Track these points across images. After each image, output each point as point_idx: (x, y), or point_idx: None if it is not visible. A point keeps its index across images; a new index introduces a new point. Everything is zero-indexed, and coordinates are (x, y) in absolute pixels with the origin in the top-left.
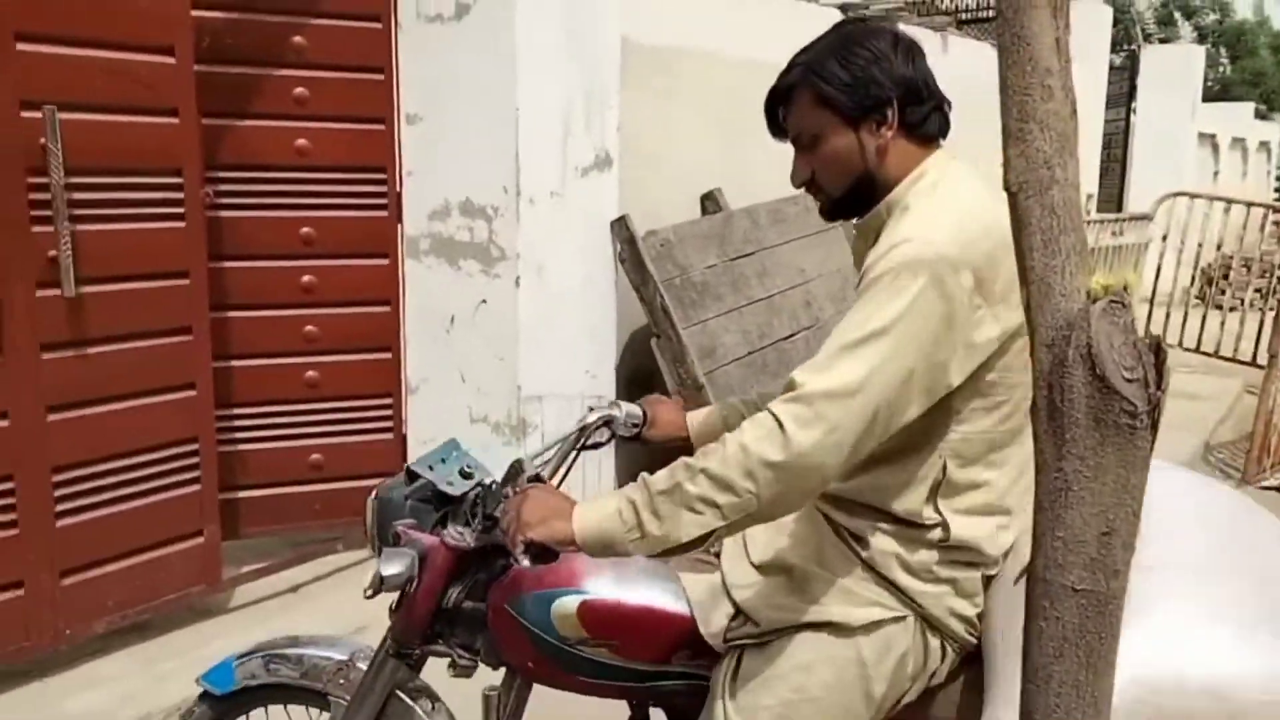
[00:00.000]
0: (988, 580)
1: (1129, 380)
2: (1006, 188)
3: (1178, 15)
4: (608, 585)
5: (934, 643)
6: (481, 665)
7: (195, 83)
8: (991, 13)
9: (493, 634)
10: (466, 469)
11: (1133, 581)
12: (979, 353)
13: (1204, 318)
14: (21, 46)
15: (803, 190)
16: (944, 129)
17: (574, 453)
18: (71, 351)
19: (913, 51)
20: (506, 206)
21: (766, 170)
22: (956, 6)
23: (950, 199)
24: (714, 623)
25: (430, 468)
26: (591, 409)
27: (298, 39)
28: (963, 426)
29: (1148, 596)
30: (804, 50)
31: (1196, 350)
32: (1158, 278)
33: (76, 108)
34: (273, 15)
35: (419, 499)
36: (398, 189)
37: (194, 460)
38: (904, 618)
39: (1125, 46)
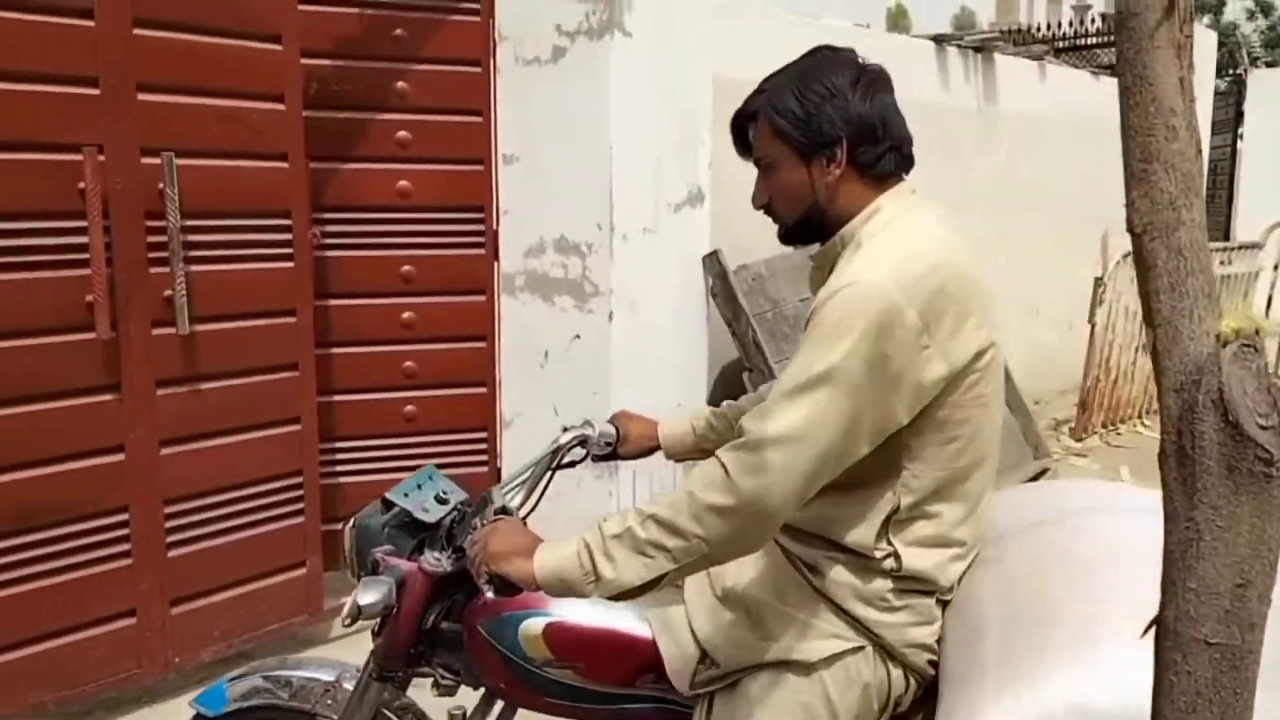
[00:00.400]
0: (944, 605)
1: (1264, 427)
2: (1130, 230)
3: None
4: (574, 608)
5: (895, 673)
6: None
7: (303, 128)
8: (1093, 40)
9: (468, 655)
10: (442, 495)
11: (1084, 616)
12: (927, 392)
13: None
14: (143, 97)
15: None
16: (903, 167)
17: (549, 474)
18: (185, 387)
19: (875, 86)
20: (600, 243)
21: None
22: (1053, 34)
23: (899, 238)
24: (681, 672)
25: (406, 495)
26: (565, 429)
27: (400, 84)
28: (915, 463)
29: (1101, 631)
30: (771, 75)
31: None
32: (1269, 307)
33: (193, 154)
34: (377, 62)
35: (396, 526)
36: (495, 227)
37: (298, 493)
38: (862, 648)
39: (1230, 71)
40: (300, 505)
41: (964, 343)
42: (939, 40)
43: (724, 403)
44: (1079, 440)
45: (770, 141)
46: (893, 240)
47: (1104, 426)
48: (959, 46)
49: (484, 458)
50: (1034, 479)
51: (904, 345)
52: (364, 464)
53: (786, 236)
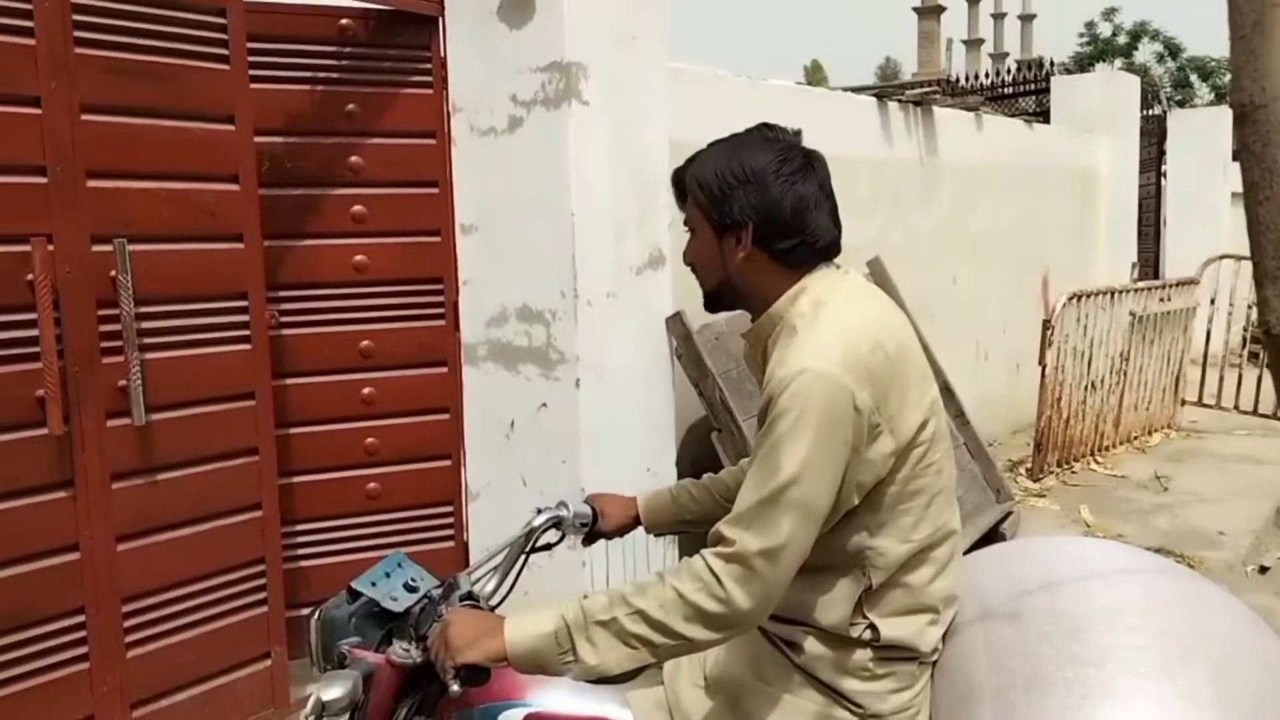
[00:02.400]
0: (927, 666)
1: None
2: (1266, 329)
3: (1193, 77)
4: (554, 697)
5: None
6: None
7: (259, 207)
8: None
9: None
10: (411, 582)
11: (1077, 678)
12: (878, 468)
13: (1259, 379)
14: (92, 183)
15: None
16: (821, 258)
17: (522, 557)
18: (141, 479)
19: (800, 175)
20: (564, 310)
21: None
22: (982, 84)
23: (836, 320)
24: None
25: (373, 584)
26: (539, 510)
27: (355, 158)
28: (878, 541)
29: (1091, 694)
30: (712, 144)
31: (1254, 412)
32: (1208, 341)
33: (145, 239)
34: (330, 137)
35: (363, 616)
36: (455, 298)
37: (261, 581)
38: None
39: (1147, 112)
40: (263, 594)
41: (908, 415)
42: (881, 96)
43: (705, 476)
44: (1036, 480)
45: (691, 208)
46: (829, 322)
47: (1059, 465)
48: (899, 101)
49: (450, 532)
50: (999, 522)
51: (859, 429)
52: (328, 545)
53: (705, 303)
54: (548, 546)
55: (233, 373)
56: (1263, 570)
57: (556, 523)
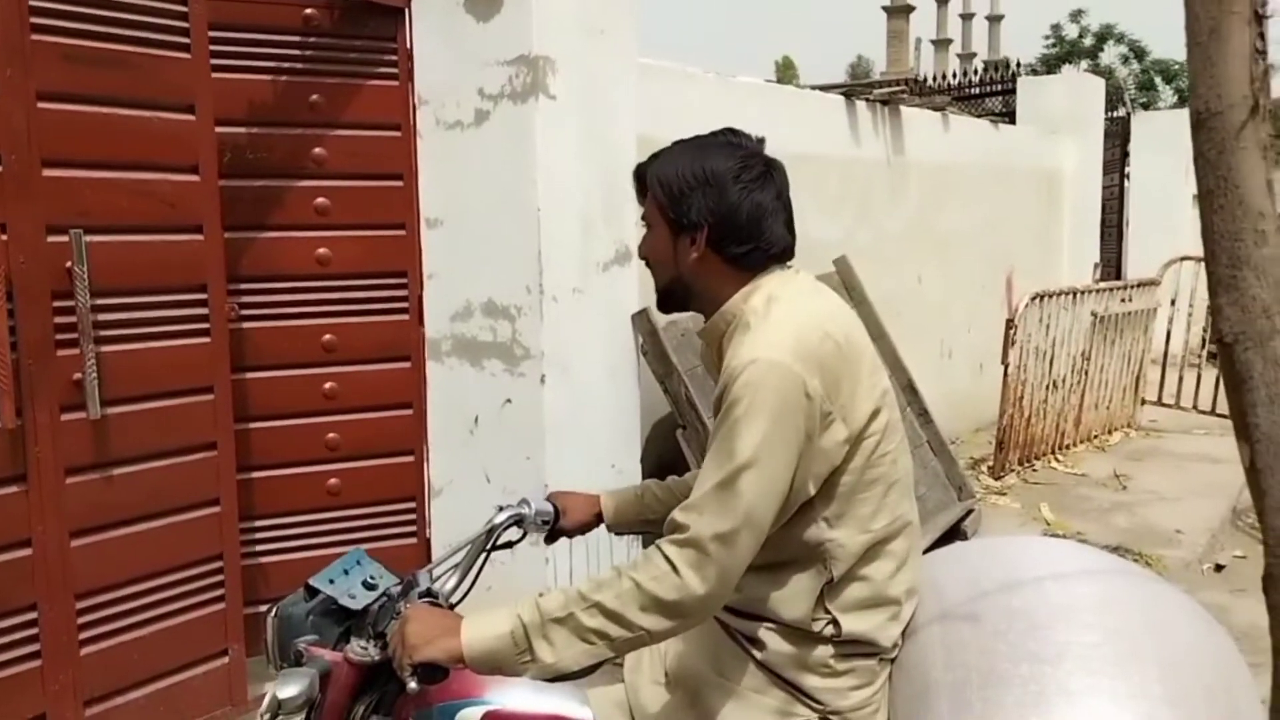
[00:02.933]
0: (886, 663)
1: None
2: (1219, 338)
3: (1158, 80)
4: (513, 695)
5: None
6: None
7: (219, 198)
8: (995, 86)
9: None
10: (370, 580)
11: (1033, 675)
12: (832, 456)
13: (1217, 379)
14: (48, 173)
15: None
16: (776, 262)
17: (483, 555)
18: (96, 474)
19: (759, 183)
20: (529, 305)
21: None
22: (949, 84)
23: (787, 313)
24: None
25: (331, 581)
26: (500, 508)
27: (318, 150)
28: (836, 532)
29: (1046, 691)
30: (676, 143)
31: (1212, 412)
32: (1168, 341)
33: (103, 229)
34: (293, 128)
35: (321, 614)
36: (419, 292)
37: (219, 578)
38: None
39: (1111, 114)
40: (221, 591)
41: (860, 405)
42: (849, 94)
43: (670, 478)
44: (998, 479)
45: (650, 204)
46: (781, 316)
47: (1020, 464)
48: (867, 100)
49: (412, 528)
50: (961, 520)
51: (811, 416)
52: (287, 542)
53: (658, 301)
54: (509, 544)
55: (191, 366)
56: (1218, 568)
57: (518, 520)
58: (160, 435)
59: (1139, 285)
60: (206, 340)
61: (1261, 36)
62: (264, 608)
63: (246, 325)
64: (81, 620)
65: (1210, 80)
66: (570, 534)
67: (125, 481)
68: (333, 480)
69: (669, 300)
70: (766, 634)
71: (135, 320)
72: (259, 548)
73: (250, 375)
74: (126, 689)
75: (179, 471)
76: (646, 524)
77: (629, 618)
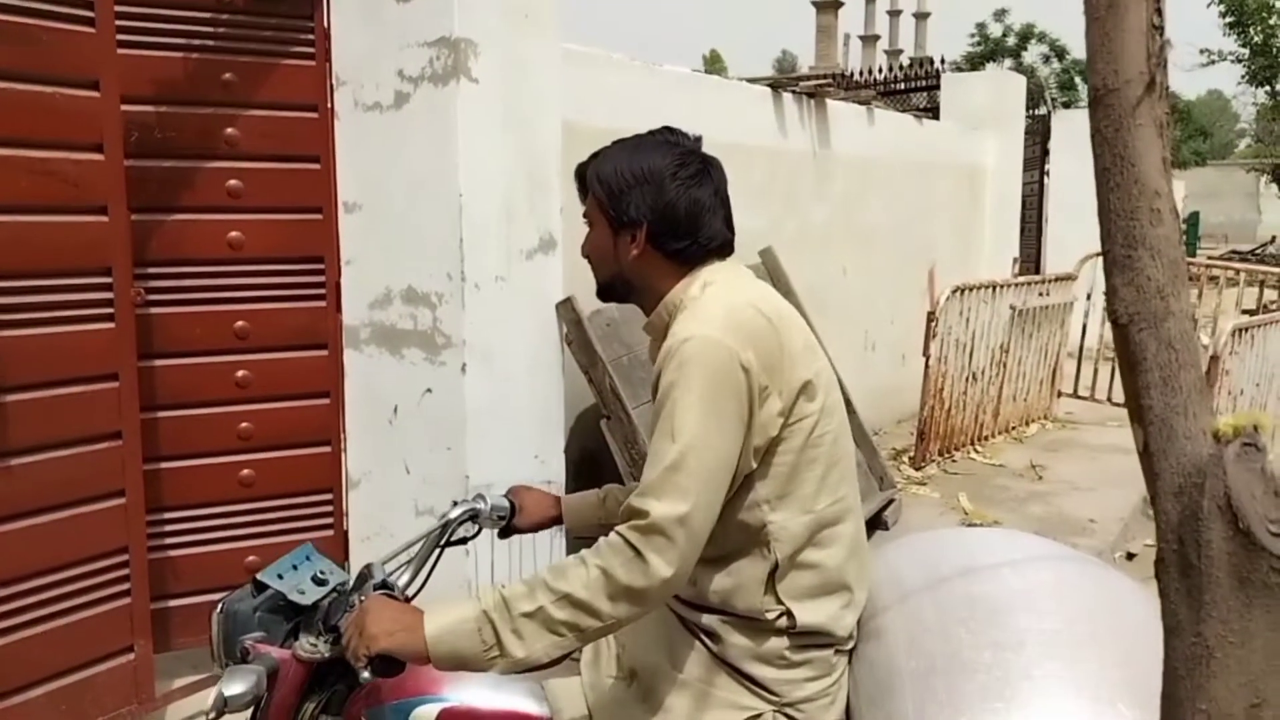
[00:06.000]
0: (844, 654)
1: (1276, 534)
2: (1114, 319)
3: (1078, 80)
4: (469, 691)
5: None
6: None
7: (125, 178)
8: (920, 82)
9: None
10: (320, 575)
11: (995, 661)
12: (768, 429)
13: None
14: None
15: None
16: (718, 254)
17: (437, 550)
18: None
19: (696, 180)
20: (451, 293)
21: None
22: (884, 78)
23: (719, 294)
24: None
25: (280, 576)
26: (456, 503)
27: (231, 130)
28: (777, 514)
29: (1010, 677)
30: (615, 142)
31: (1125, 405)
32: (1084, 335)
33: (1, 210)
34: (205, 108)
35: (268, 610)
36: (337, 278)
37: (124, 571)
38: (761, 715)
39: (1032, 111)
40: (127, 585)
41: (790, 377)
42: (776, 87)
43: (631, 482)
44: (918, 469)
45: (591, 203)
46: (713, 297)
47: (940, 454)
48: (793, 93)
49: (329, 520)
50: (882, 509)
51: (747, 388)
52: (198, 535)
53: (598, 292)
54: (463, 540)
55: (94, 352)
56: (1130, 557)
57: (473, 515)
58: (62, 424)
59: (1056, 280)
60: (111, 326)
61: (1159, 12)
62: (173, 602)
63: (155, 310)
64: None
65: (1108, 56)
66: (525, 531)
67: (24, 472)
68: (246, 471)
69: (609, 293)
70: (721, 626)
71: (35, 304)
72: (168, 541)
73: (159, 362)
74: (25, 686)
75: (82, 462)
76: (605, 529)
77: (598, 607)
